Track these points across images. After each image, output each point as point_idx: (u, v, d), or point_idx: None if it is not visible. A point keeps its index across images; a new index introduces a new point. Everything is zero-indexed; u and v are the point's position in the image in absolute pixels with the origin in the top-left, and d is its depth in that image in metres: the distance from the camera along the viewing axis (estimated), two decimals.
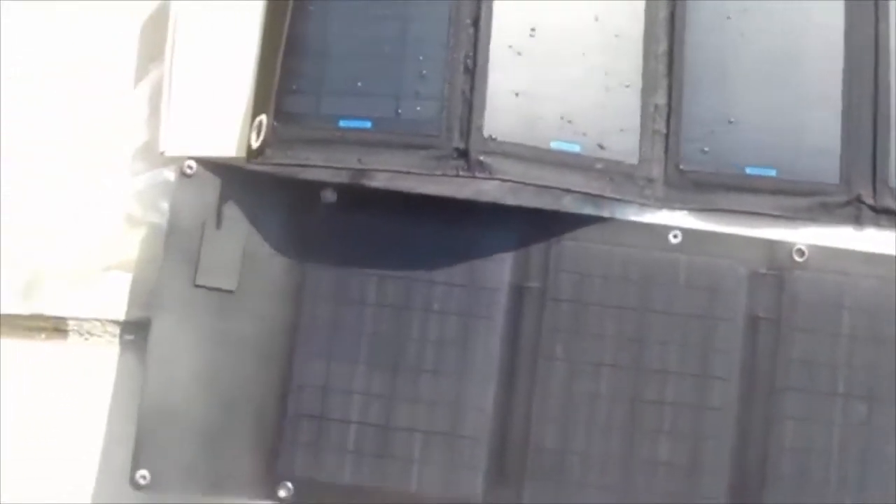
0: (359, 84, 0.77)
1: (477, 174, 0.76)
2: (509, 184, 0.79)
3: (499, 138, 0.77)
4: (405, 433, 0.79)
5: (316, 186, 0.81)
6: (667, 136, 0.81)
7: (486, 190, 0.81)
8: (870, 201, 0.81)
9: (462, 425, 0.79)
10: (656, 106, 0.81)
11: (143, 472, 0.77)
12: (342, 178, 0.81)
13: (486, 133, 0.76)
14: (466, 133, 0.76)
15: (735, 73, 0.82)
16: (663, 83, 0.82)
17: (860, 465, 0.78)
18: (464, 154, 0.76)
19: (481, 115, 0.76)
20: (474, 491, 0.78)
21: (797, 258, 0.81)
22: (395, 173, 0.79)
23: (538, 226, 0.80)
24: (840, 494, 0.78)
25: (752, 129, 0.81)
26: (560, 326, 0.79)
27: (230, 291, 0.79)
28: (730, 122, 0.81)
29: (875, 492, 0.78)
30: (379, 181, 0.81)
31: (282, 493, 0.78)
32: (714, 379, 0.79)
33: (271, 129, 0.77)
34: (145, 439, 0.77)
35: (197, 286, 0.79)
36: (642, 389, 0.79)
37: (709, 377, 0.79)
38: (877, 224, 0.82)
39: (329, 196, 0.81)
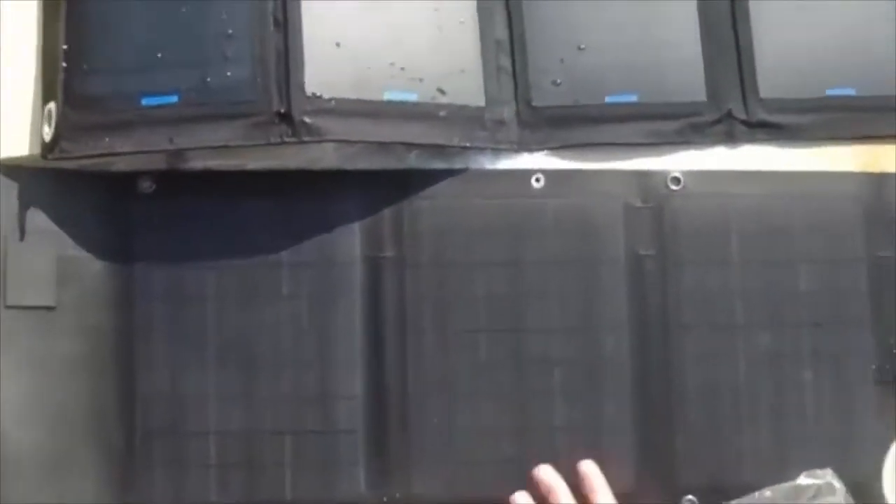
0: (159, 55, 0.68)
1: (305, 138, 0.68)
2: (346, 146, 0.72)
3: (324, 95, 0.68)
4: (271, 437, 0.70)
5: (130, 177, 0.72)
6: (513, 72, 0.73)
7: (321, 157, 0.72)
8: (742, 116, 0.74)
9: (333, 418, 0.71)
10: (497, 41, 0.74)
11: None
12: (158, 163, 0.72)
13: (308, 91, 0.68)
14: (286, 93, 0.67)
15: None
16: (502, 14, 0.74)
17: (772, 398, 0.72)
18: (286, 117, 0.67)
19: (300, 72, 0.67)
20: (356, 489, 0.70)
21: (673, 186, 0.74)
22: (219, 150, 0.70)
23: (386, 189, 0.72)
24: (754, 430, 0.71)
25: (605, 53, 0.74)
26: (425, 295, 0.72)
27: (50, 308, 0.70)
28: (580, 49, 0.74)
29: (792, 423, 0.72)
30: (199, 162, 0.72)
31: None
32: (603, 328, 0.72)
33: (63, 117, 0.68)
34: None
35: (8, 307, 0.69)
36: (526, 350, 0.71)
37: (597, 327, 0.72)
38: (752, 139, 0.75)
39: (146, 186, 0.72)
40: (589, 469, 0.70)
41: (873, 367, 0.73)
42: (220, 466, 0.70)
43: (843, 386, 0.72)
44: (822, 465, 0.71)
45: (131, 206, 0.72)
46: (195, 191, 0.72)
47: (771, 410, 0.72)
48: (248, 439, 0.70)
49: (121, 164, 0.72)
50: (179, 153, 0.71)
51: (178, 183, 0.72)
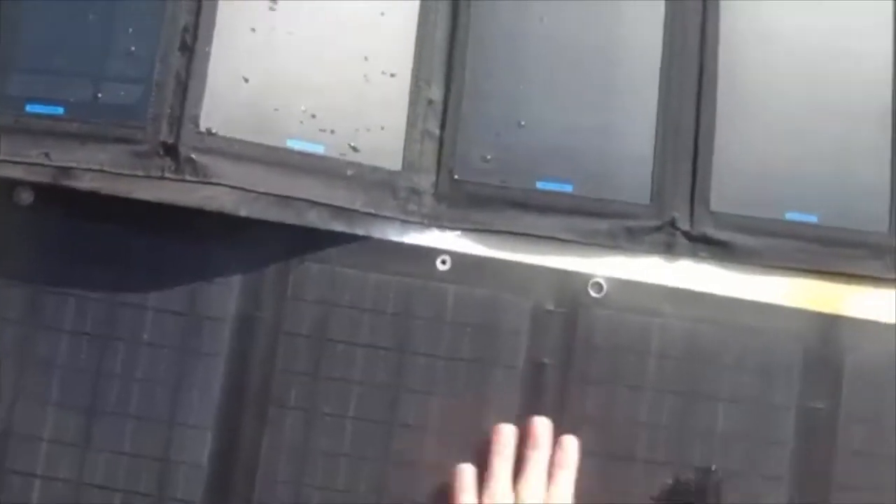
0: (54, 61, 0.63)
1: (188, 176, 0.62)
2: (247, 194, 0.65)
3: (220, 133, 0.62)
4: (100, 492, 0.63)
5: (8, 184, 0.66)
6: (441, 138, 0.66)
7: (216, 197, 0.66)
8: (685, 227, 0.67)
9: (171, 484, 0.63)
10: (430, 101, 0.67)
11: None
12: (43, 175, 0.64)
13: (202, 126, 0.62)
14: (178, 124, 0.62)
15: (531, 67, 0.67)
16: (440, 74, 0.68)
17: None
18: (172, 150, 0.62)
19: (198, 104, 0.62)
20: None
21: (593, 293, 0.66)
22: (105, 173, 0.64)
23: (278, 244, 0.65)
24: None
25: (547, 135, 0.67)
26: (295, 367, 0.64)
27: None
28: (521, 126, 0.67)
29: None
30: (85, 182, 0.65)
31: None
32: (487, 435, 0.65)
33: None
34: None
35: None
36: (395, 448, 0.64)
37: (481, 432, 0.65)
38: (693, 255, 0.67)
39: (24, 197, 0.66)
40: (570, 443, 0.64)
41: None
42: None
43: None
44: None
45: (5, 217, 0.66)
46: (74, 211, 0.65)
47: None
48: (75, 490, 0.63)
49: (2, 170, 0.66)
50: (66, 169, 0.65)
51: (58, 199, 0.65)
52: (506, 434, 0.64)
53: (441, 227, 0.66)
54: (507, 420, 0.64)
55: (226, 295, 0.65)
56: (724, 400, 0.65)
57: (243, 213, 0.65)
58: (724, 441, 0.65)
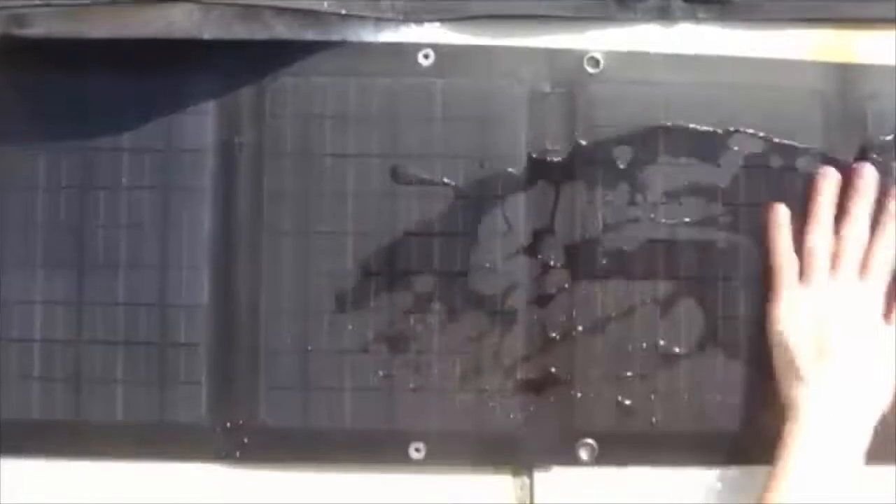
0: None
1: None
2: (203, 10, 0.61)
3: None
4: (102, 348, 0.60)
5: None
6: None
7: (177, 21, 0.61)
8: None
9: (172, 330, 0.60)
10: None
11: None
12: None
13: None
14: None
15: None
16: None
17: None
18: None
19: None
20: (197, 411, 0.60)
21: (590, 69, 0.61)
22: (61, 15, 0.60)
23: (247, 63, 0.61)
24: None
25: None
26: (285, 189, 0.61)
27: None
28: None
29: None
30: (38, 28, 0.61)
31: None
32: (496, 235, 0.60)
33: None
34: None
35: None
36: (400, 260, 0.60)
37: (489, 235, 0.60)
38: (691, 17, 0.62)
39: None
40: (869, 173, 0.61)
41: None
42: (45, 379, 0.60)
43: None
44: None
45: None
46: (31, 61, 0.61)
47: None
48: (75, 350, 0.60)
49: None
50: (17, 17, 0.62)
51: (12, 50, 0.61)
52: (830, 177, 0.61)
53: (418, 20, 0.62)
54: (516, 218, 0.60)
55: (202, 124, 0.61)
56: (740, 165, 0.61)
57: (207, 35, 0.61)
58: (746, 209, 0.61)
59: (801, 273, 0.61)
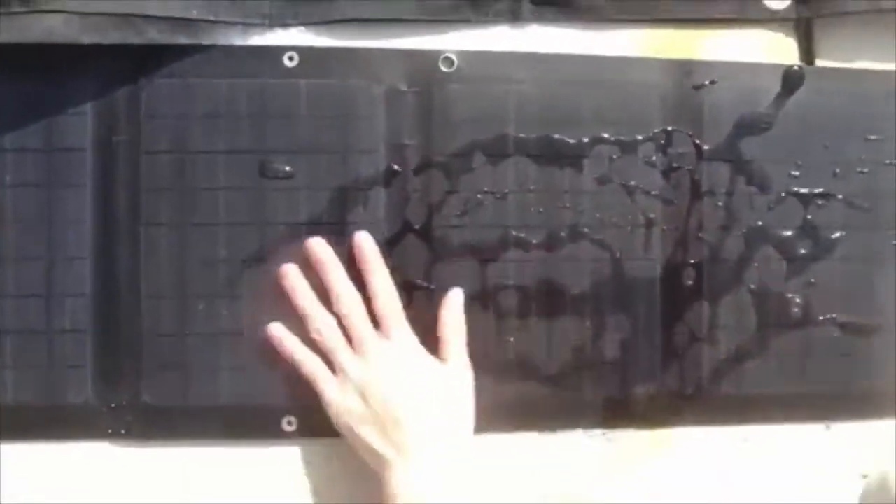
0: None
1: (16, 8, 0.61)
2: (79, 17, 0.65)
3: None
4: None
5: None
6: None
7: (55, 29, 0.65)
8: None
9: (59, 317, 0.64)
10: None
11: None
12: None
13: None
14: None
15: None
16: None
17: None
18: None
19: None
20: (83, 394, 0.64)
21: (445, 68, 0.66)
22: None
23: (122, 66, 0.65)
24: None
25: None
26: (161, 184, 0.65)
27: None
28: None
29: None
30: None
31: None
32: (359, 224, 0.66)
33: None
34: None
35: None
36: (270, 248, 0.65)
37: (350, 222, 0.66)
38: (539, 18, 0.67)
39: None
40: (364, 243, 0.63)
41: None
42: None
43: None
44: None
45: None
46: None
47: None
48: None
49: None
50: None
51: None
52: (290, 273, 0.63)
53: (284, 24, 0.66)
54: (375, 208, 0.65)
55: (81, 124, 0.65)
56: (588, 157, 0.66)
57: (86, 40, 0.64)
58: (590, 198, 0.66)
59: (329, 366, 0.62)
